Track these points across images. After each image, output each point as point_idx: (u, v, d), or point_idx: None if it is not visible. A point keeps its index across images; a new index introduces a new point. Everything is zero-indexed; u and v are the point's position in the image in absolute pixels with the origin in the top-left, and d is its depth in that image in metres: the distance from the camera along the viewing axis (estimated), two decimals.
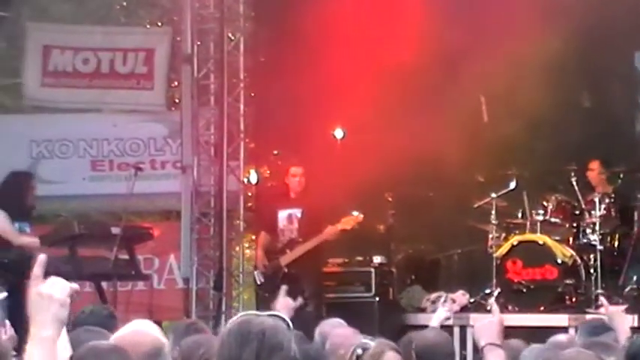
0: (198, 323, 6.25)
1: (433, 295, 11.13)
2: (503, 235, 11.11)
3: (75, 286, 3.26)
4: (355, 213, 10.68)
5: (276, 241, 10.96)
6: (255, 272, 11.04)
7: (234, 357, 3.39)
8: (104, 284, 10.36)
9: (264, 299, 10.48)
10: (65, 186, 12.79)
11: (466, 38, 11.37)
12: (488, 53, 11.11)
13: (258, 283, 10.99)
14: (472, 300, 11.01)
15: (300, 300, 6.71)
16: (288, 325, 3.44)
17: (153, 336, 4.28)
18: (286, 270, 10.77)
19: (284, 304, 6.62)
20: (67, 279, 12.00)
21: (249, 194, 12.98)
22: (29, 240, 10.14)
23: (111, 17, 16.46)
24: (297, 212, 10.87)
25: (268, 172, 13.35)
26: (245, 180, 12.75)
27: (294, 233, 10.88)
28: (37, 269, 3.31)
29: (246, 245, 13.88)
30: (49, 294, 3.27)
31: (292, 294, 10.34)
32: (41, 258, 3.35)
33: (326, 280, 11.10)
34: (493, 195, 11.12)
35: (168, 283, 12.65)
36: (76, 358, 4.05)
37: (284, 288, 6.88)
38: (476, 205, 11.25)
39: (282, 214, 10.93)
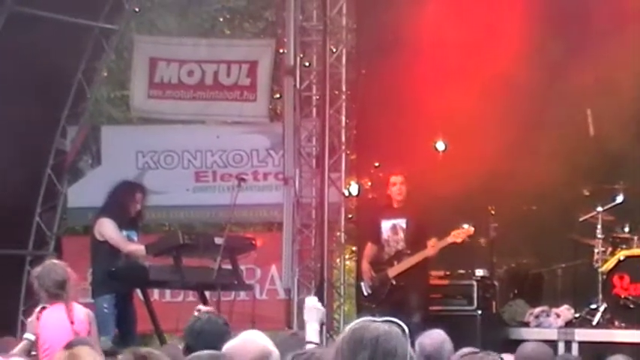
0: (299, 334, 6.28)
1: (537, 310, 10.99)
2: (610, 249, 10.92)
3: None
4: (466, 225, 10.61)
5: (382, 252, 10.94)
6: (362, 283, 11.01)
7: None
8: (207, 294, 10.47)
9: (369, 311, 10.46)
10: (169, 196, 12.96)
11: (570, 49, 11.23)
12: (593, 65, 10.96)
13: (365, 294, 10.97)
14: (577, 315, 10.85)
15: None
16: (403, 330, 3.43)
17: (261, 344, 4.36)
18: (394, 282, 10.75)
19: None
20: (172, 288, 12.19)
21: (351, 206, 12.99)
22: (136, 247, 10.31)
23: (215, 30, 16.70)
24: (401, 222, 10.83)
25: (369, 183, 13.35)
26: (346, 192, 12.76)
27: (400, 244, 10.84)
28: None
29: (347, 257, 13.90)
30: None
31: (400, 306, 10.39)
32: None
33: (431, 292, 11.04)
34: (599, 209, 10.94)
35: (270, 293, 12.73)
36: None
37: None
38: (581, 219, 11.08)
39: (386, 225, 10.90)
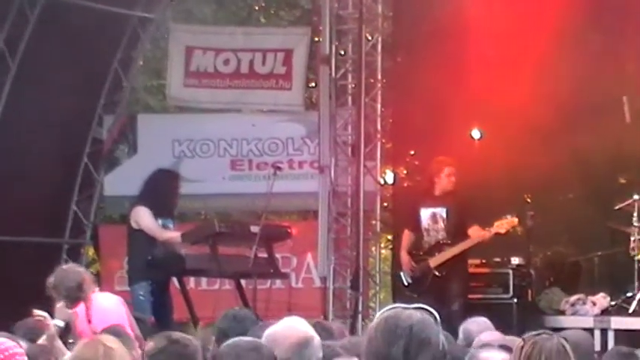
0: (323, 322, 6.36)
1: (573, 298, 10.97)
2: None
3: None
4: (509, 216, 10.57)
5: (420, 240, 10.92)
6: (402, 273, 10.98)
7: (382, 353, 3.36)
8: (243, 282, 10.51)
9: (410, 300, 10.45)
10: (205, 185, 13.01)
11: (609, 38, 11.17)
12: (631, 53, 10.90)
13: (405, 284, 10.95)
14: (613, 303, 10.81)
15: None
16: (435, 318, 3.41)
17: (302, 330, 4.38)
18: (437, 273, 10.72)
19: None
20: (209, 276, 12.21)
21: (387, 195, 12.98)
22: (172, 234, 10.34)
23: (251, 18, 16.74)
24: (441, 212, 10.79)
25: (405, 172, 13.34)
26: (382, 180, 12.76)
27: (441, 234, 10.80)
28: None
29: (383, 245, 13.91)
30: None
31: (441, 295, 10.36)
32: None
33: (470, 280, 11.02)
34: (636, 197, 10.88)
35: (306, 281, 12.76)
36: (219, 354, 4.15)
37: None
38: (617, 207, 11.03)
39: (425, 213, 10.86)
